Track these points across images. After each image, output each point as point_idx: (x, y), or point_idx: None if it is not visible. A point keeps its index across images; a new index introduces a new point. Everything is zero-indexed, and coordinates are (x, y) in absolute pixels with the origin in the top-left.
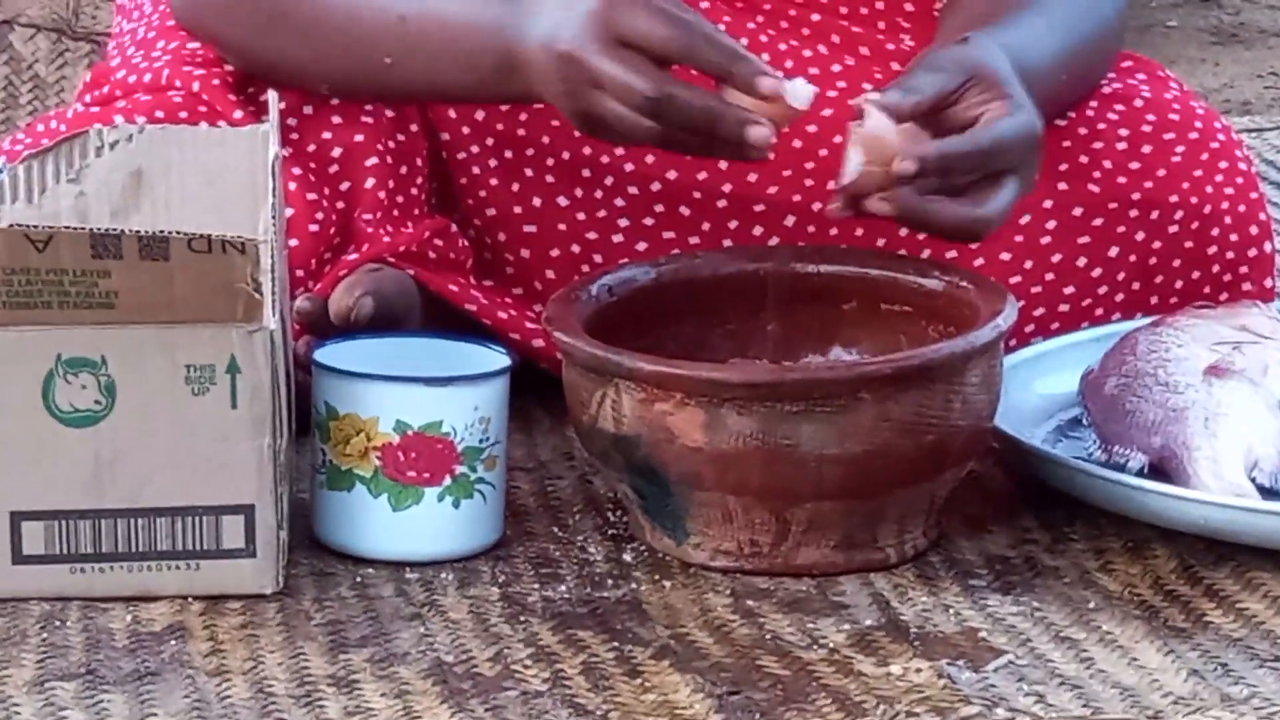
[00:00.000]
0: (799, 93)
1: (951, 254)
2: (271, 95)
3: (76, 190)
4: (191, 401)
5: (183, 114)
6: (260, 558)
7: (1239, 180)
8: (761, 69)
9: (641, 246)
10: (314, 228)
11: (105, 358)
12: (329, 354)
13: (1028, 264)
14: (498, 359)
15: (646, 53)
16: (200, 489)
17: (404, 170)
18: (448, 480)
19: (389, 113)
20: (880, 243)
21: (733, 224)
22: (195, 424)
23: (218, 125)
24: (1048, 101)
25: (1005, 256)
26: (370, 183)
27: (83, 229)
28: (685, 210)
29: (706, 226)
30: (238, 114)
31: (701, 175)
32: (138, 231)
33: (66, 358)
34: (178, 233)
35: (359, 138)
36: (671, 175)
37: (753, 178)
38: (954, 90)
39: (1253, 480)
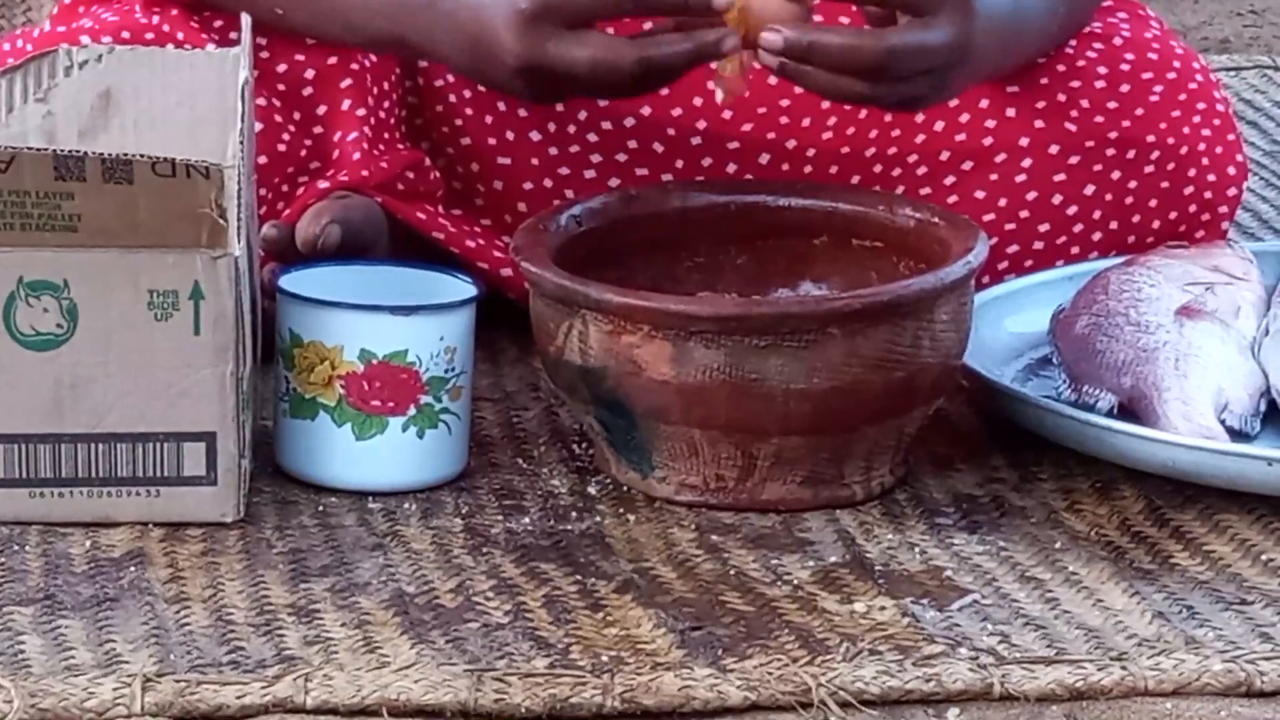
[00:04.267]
0: None
1: (925, 191)
2: (244, 18)
3: (44, 110)
4: (154, 327)
5: (149, 35)
6: (221, 485)
7: (1216, 122)
8: None
9: (614, 182)
10: (282, 147)
11: (68, 281)
12: (294, 281)
13: (1003, 201)
14: (464, 288)
15: (601, 19)
16: (162, 415)
17: (376, 92)
18: (412, 410)
19: None
20: (854, 180)
21: (706, 161)
22: (157, 350)
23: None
24: (1020, 44)
25: (980, 194)
26: (347, 104)
27: (45, 150)
28: (659, 147)
29: (680, 164)
30: (210, 46)
31: (676, 112)
32: (101, 154)
33: (28, 280)
34: (141, 156)
35: (332, 60)
36: (645, 111)
37: (727, 115)
38: None
39: (1222, 422)
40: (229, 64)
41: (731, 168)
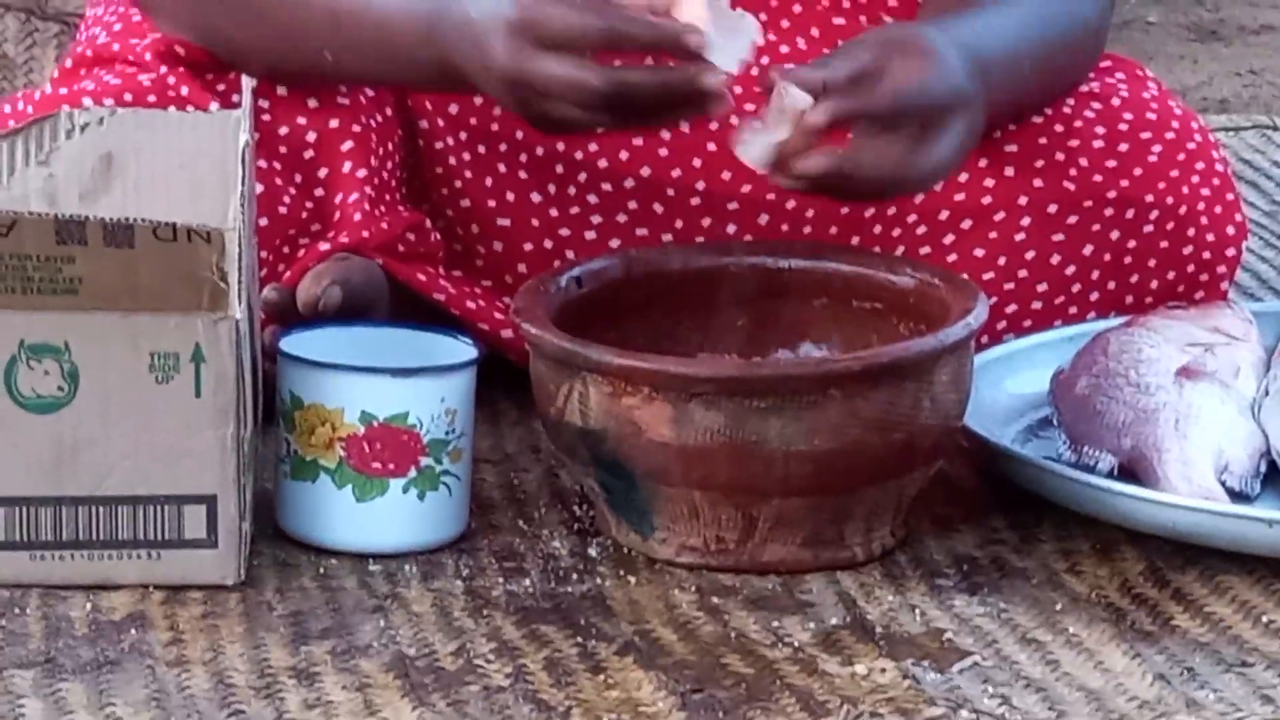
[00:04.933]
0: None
1: (925, 250)
2: (245, 81)
3: (46, 173)
4: (155, 390)
5: (151, 97)
6: (222, 548)
7: (1215, 182)
8: (685, 27)
9: (614, 243)
10: (283, 209)
11: (69, 344)
12: (295, 343)
13: (1001, 260)
14: (465, 350)
15: (576, 47)
16: (162, 478)
17: (380, 154)
18: (413, 472)
19: (367, 92)
20: (854, 240)
21: (706, 221)
22: (158, 412)
23: (188, 109)
24: (1009, 93)
25: (979, 253)
26: (348, 166)
27: (47, 215)
28: (659, 207)
29: (680, 224)
30: (213, 106)
31: (675, 173)
32: (102, 218)
33: (30, 343)
34: (143, 220)
35: (334, 123)
36: (645, 172)
37: (726, 175)
38: (872, 62)
39: (1222, 483)
40: (230, 126)
41: (731, 228)
